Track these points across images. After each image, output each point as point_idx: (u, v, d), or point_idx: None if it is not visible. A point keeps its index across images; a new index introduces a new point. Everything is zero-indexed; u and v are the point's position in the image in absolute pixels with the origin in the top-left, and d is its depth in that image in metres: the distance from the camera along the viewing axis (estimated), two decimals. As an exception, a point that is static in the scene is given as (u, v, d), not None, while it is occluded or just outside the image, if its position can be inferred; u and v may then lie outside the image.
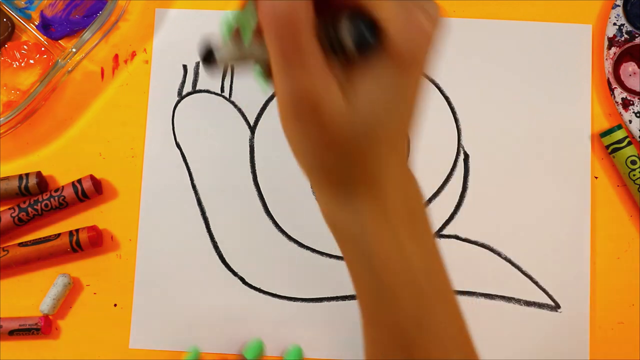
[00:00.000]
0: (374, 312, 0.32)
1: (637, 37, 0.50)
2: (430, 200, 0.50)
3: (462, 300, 0.49)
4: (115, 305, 0.51)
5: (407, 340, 0.30)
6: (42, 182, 0.51)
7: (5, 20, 0.52)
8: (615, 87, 0.50)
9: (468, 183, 0.50)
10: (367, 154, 0.29)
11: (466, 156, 0.50)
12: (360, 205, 0.30)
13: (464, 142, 0.51)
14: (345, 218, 0.31)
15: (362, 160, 0.29)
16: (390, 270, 0.30)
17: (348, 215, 0.31)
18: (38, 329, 0.50)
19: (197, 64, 0.52)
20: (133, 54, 0.53)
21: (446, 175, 0.50)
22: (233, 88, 0.52)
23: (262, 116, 0.51)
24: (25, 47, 0.52)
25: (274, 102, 0.51)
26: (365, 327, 0.33)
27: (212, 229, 0.51)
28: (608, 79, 0.50)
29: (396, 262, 0.30)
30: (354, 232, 0.31)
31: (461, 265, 0.49)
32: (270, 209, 0.51)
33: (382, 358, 0.32)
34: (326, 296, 0.50)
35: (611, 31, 0.50)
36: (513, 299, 0.49)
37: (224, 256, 0.50)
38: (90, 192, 0.50)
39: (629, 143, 0.49)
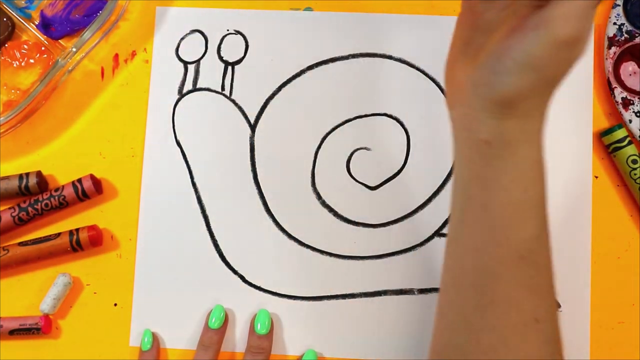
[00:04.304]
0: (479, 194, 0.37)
1: (637, 36, 0.50)
2: (430, 199, 0.50)
3: (463, 299, 0.49)
4: (115, 304, 0.51)
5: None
6: (42, 182, 0.51)
7: (5, 19, 0.52)
8: (616, 87, 0.50)
9: (468, 182, 0.50)
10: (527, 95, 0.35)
11: (466, 155, 0.50)
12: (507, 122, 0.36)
13: (464, 141, 0.51)
14: (489, 125, 0.36)
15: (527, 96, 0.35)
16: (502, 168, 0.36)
17: (493, 125, 0.36)
18: (38, 328, 0.49)
19: (198, 62, 0.52)
20: (133, 54, 0.53)
21: (446, 174, 0.50)
22: (234, 86, 0.52)
23: (263, 114, 0.51)
24: (25, 46, 0.52)
25: (275, 100, 0.52)
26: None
27: (212, 228, 0.51)
28: (608, 78, 0.50)
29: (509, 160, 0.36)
30: (488, 135, 0.36)
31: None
32: (270, 208, 0.51)
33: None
34: (326, 295, 0.50)
35: (611, 31, 0.50)
36: (513, 298, 0.49)
37: (224, 254, 0.50)
38: (91, 191, 0.50)
39: (630, 142, 0.49)
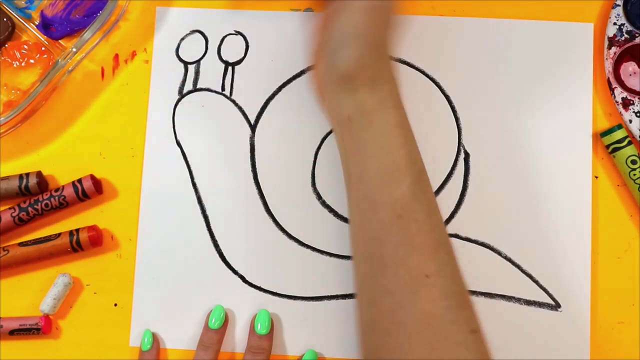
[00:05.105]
0: (352, 164, 0.40)
1: (637, 36, 0.50)
2: (430, 199, 0.50)
3: (463, 299, 0.49)
4: (115, 305, 0.51)
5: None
6: (43, 182, 0.51)
7: (5, 20, 0.52)
8: (616, 87, 0.50)
9: (468, 182, 0.50)
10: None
11: (467, 155, 0.51)
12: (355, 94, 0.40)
13: (464, 141, 0.51)
14: (347, 101, 0.40)
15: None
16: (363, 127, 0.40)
17: (349, 100, 0.40)
18: (38, 328, 0.50)
19: (198, 63, 0.52)
20: (133, 54, 0.53)
21: (446, 174, 0.50)
22: (234, 87, 0.52)
23: (263, 115, 0.51)
24: (25, 46, 0.52)
25: (275, 101, 0.52)
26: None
27: (212, 228, 0.51)
28: (608, 78, 0.50)
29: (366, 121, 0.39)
30: (348, 111, 0.40)
31: (461, 264, 0.49)
32: (270, 208, 0.51)
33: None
34: (327, 295, 0.50)
35: (611, 31, 0.50)
36: (513, 298, 0.49)
37: (224, 254, 0.50)
38: (91, 191, 0.50)
39: (629, 143, 0.49)
